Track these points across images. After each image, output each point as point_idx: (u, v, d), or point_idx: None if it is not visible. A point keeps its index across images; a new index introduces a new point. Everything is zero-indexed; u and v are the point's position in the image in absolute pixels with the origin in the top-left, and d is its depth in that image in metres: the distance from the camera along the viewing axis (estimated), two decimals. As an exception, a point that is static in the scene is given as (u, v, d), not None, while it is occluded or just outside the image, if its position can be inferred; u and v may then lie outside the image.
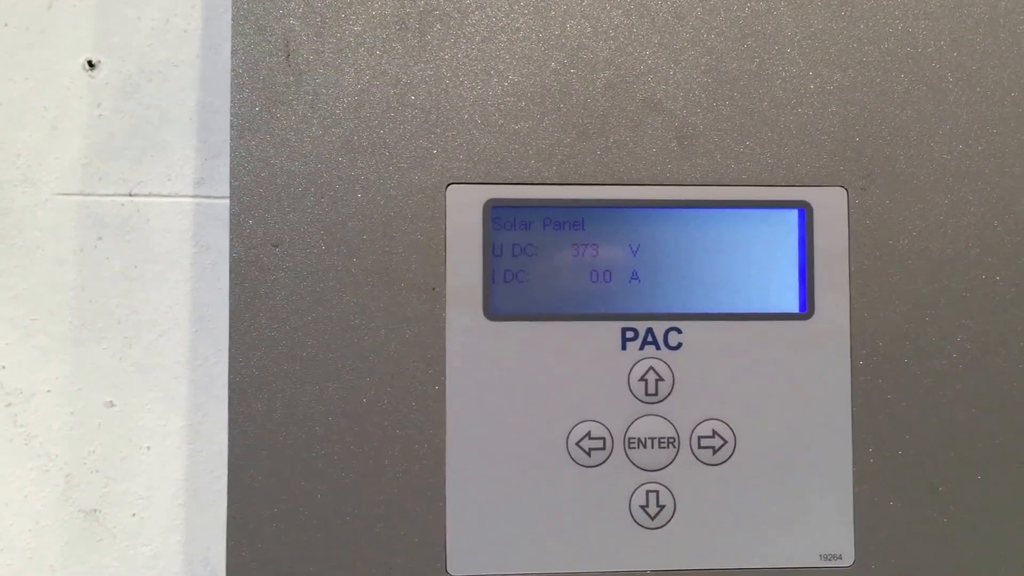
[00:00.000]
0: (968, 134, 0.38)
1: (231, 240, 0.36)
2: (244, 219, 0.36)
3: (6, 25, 0.41)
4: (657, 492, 0.36)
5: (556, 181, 0.37)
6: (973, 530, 0.37)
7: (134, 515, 0.40)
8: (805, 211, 0.37)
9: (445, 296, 0.36)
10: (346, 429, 0.36)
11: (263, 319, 0.36)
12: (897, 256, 0.37)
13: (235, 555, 0.35)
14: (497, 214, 0.37)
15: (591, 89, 0.37)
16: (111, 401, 0.40)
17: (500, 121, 0.37)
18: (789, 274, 0.37)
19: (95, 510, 0.40)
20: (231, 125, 0.36)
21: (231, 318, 0.35)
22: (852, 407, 0.37)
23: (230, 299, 0.36)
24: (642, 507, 0.36)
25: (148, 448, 0.40)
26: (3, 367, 0.40)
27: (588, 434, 0.36)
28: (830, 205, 0.37)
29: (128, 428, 0.40)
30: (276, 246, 0.36)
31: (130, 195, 0.40)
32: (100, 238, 0.40)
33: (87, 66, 0.41)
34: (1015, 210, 0.38)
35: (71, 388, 0.40)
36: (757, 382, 0.37)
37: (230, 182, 0.36)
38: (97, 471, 0.40)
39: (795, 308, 0.37)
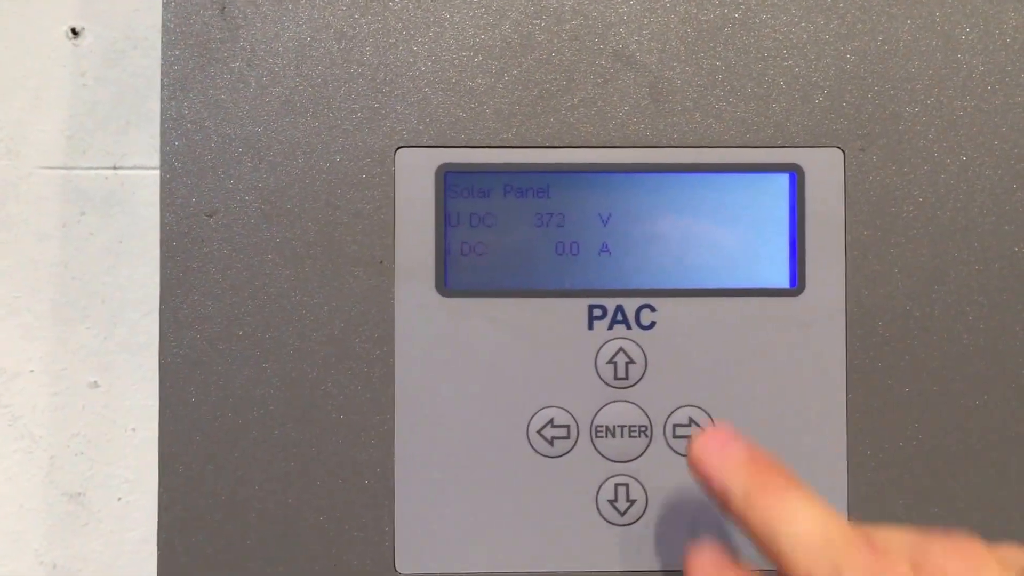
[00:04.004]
0: (983, 87, 0.35)
1: (161, 209, 0.34)
2: (175, 187, 0.34)
3: (-14, -8, 0.41)
4: (627, 485, 0.35)
5: (517, 144, 0.35)
6: (977, 524, 0.34)
7: (120, 499, 0.40)
8: (796, 175, 0.35)
9: (394, 270, 0.35)
10: (286, 415, 0.35)
11: (196, 295, 0.34)
12: (899, 225, 0.35)
13: (166, 551, 0.34)
14: (452, 180, 0.35)
15: (556, 41, 0.35)
16: (95, 381, 0.40)
17: (454, 78, 0.35)
18: (778, 245, 0.36)
19: (80, 493, 0.40)
20: (161, 85, 0.34)
21: (161, 294, 0.34)
22: (847, 392, 0.35)
23: (160, 273, 0.34)
24: (610, 502, 0.35)
25: (133, 430, 0.40)
26: (-13, 345, 0.41)
27: (551, 421, 0.35)
28: (824, 168, 0.35)
29: (113, 409, 0.41)
30: (210, 216, 0.34)
31: (114, 168, 0.40)
32: (84, 213, 0.41)
33: (70, 34, 0.41)
34: (1036, 173, 0.35)
35: (55, 368, 0.40)
36: (740, 365, 0.35)
37: (160, 147, 0.34)
38: (81, 453, 0.40)
39: (784, 283, 0.35)
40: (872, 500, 0.35)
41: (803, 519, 0.27)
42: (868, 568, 0.25)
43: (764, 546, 0.27)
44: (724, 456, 0.29)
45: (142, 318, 0.40)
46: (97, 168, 0.40)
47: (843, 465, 0.35)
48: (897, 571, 0.25)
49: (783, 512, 0.27)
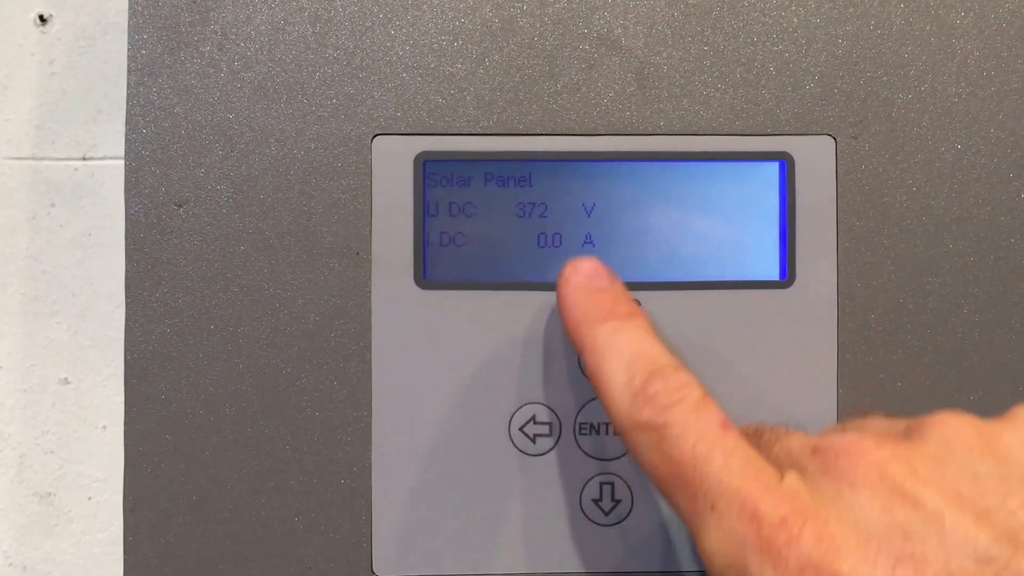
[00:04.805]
0: (978, 74, 0.35)
1: (127, 199, 0.33)
2: (143, 175, 0.33)
3: (-52, -19, 0.40)
4: (612, 484, 0.34)
5: (498, 131, 0.34)
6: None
7: (90, 498, 0.40)
8: (786, 164, 0.35)
9: (371, 261, 0.34)
10: (259, 412, 0.34)
11: (164, 288, 0.33)
12: (892, 215, 0.35)
13: (133, 555, 0.33)
14: (431, 169, 0.34)
15: (538, 25, 0.34)
16: (65, 378, 0.40)
17: (433, 63, 0.34)
18: (767, 236, 0.35)
19: (50, 493, 0.40)
20: (128, 69, 0.33)
21: (127, 287, 0.33)
22: (838, 388, 0.34)
23: (126, 265, 0.33)
24: (595, 501, 0.34)
25: (104, 427, 0.40)
26: (-47, 342, 0.40)
27: (533, 418, 0.34)
28: (815, 156, 0.35)
29: (83, 406, 0.40)
30: (180, 205, 0.33)
31: (84, 159, 0.40)
32: (53, 205, 0.40)
33: (38, 21, 0.40)
34: (1033, 161, 0.35)
35: (24, 364, 0.40)
36: (728, 360, 0.34)
37: (126, 134, 0.33)
38: (52, 452, 0.40)
39: (774, 275, 0.35)
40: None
41: (616, 354, 0.29)
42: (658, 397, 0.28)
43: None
44: (566, 293, 0.31)
45: (112, 312, 0.39)
46: (66, 159, 0.40)
47: (834, 462, 0.34)
48: (690, 398, 0.27)
49: (600, 348, 0.29)
